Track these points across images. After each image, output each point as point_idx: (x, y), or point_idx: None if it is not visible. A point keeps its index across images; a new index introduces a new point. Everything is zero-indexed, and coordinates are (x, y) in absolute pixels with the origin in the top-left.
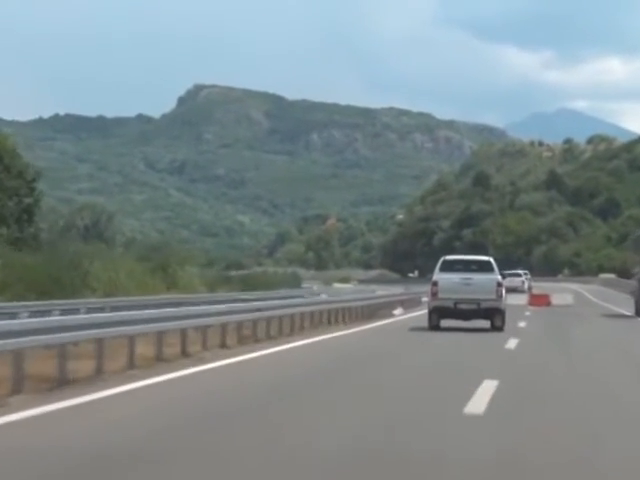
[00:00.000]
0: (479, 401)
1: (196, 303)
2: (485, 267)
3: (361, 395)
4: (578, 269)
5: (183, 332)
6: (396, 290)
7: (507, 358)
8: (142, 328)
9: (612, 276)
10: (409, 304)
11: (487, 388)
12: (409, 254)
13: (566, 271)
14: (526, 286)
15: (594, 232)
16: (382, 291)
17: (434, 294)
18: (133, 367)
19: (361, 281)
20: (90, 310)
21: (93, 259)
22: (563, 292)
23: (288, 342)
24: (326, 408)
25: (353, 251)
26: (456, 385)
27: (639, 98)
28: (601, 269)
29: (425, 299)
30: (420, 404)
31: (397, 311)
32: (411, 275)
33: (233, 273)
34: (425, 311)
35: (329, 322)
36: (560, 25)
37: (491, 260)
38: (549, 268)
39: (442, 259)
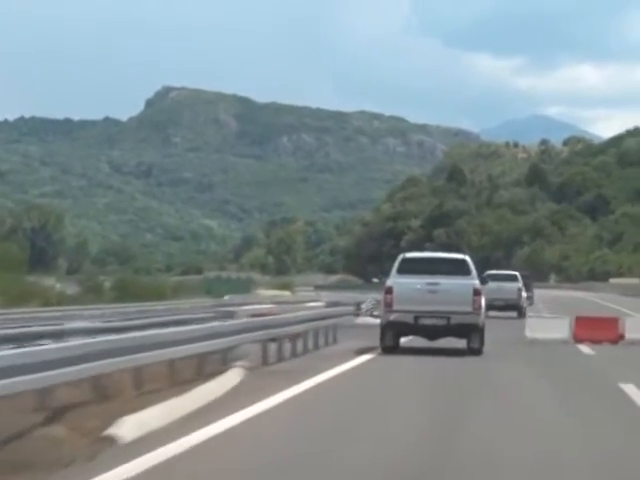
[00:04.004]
0: None
1: None
2: (458, 268)
3: None
4: (566, 274)
5: None
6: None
7: None
8: None
9: (636, 281)
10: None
11: None
12: (375, 257)
13: (553, 277)
14: (524, 299)
15: (582, 232)
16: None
17: (388, 304)
18: None
19: (318, 287)
20: None
21: None
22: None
23: None
24: None
25: (320, 255)
26: None
27: (611, 105)
28: (592, 274)
29: (361, 320)
30: None
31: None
32: (375, 280)
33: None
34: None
35: None
36: (532, 32)
37: (466, 259)
38: (535, 273)
39: (401, 257)
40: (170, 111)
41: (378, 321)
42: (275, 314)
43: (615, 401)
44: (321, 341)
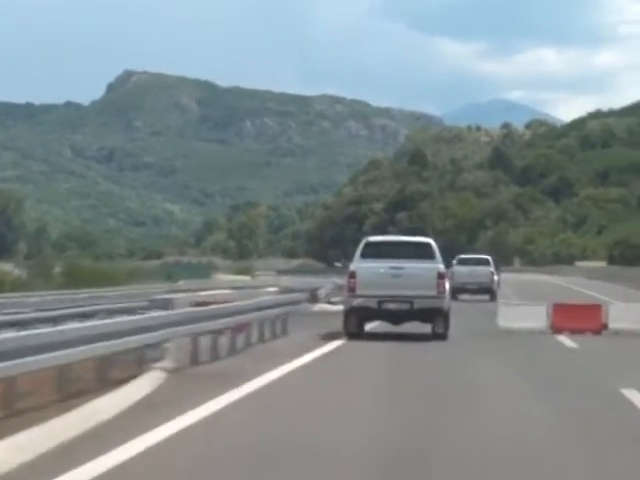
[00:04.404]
0: None
1: None
2: (423, 252)
3: None
4: (530, 257)
5: None
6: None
7: None
8: None
9: (602, 264)
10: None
11: None
12: (337, 241)
13: (517, 260)
14: (496, 283)
15: (546, 215)
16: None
17: (351, 289)
18: None
19: (280, 272)
20: None
21: None
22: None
23: None
24: None
25: (283, 240)
26: None
27: (573, 88)
28: (557, 257)
29: (318, 307)
30: None
31: None
32: (337, 264)
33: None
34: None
35: None
36: (494, 17)
37: (431, 242)
38: (499, 256)
39: (364, 240)
40: (132, 95)
41: (336, 308)
42: (221, 302)
43: (625, 416)
44: (268, 333)
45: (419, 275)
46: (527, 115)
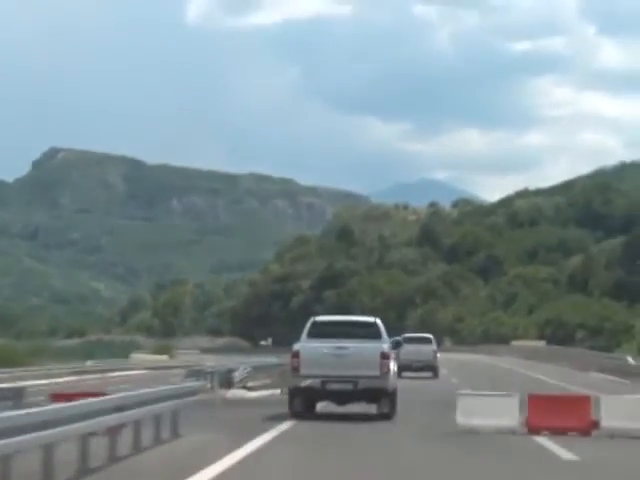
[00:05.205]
0: None
1: None
2: (368, 331)
3: None
4: (460, 336)
5: None
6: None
7: None
8: None
9: (541, 344)
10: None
11: None
12: (263, 319)
13: (448, 339)
14: (438, 360)
15: (475, 293)
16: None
17: (295, 369)
18: None
19: (204, 350)
20: None
21: None
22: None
23: None
24: None
25: (209, 317)
26: None
27: (496, 170)
28: (486, 336)
29: (232, 394)
30: None
31: None
32: (263, 343)
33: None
34: None
35: None
36: (419, 97)
37: (377, 322)
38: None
39: (311, 320)
40: (58, 172)
41: (254, 395)
42: (91, 393)
43: None
44: (147, 437)
45: (362, 355)
46: (453, 195)
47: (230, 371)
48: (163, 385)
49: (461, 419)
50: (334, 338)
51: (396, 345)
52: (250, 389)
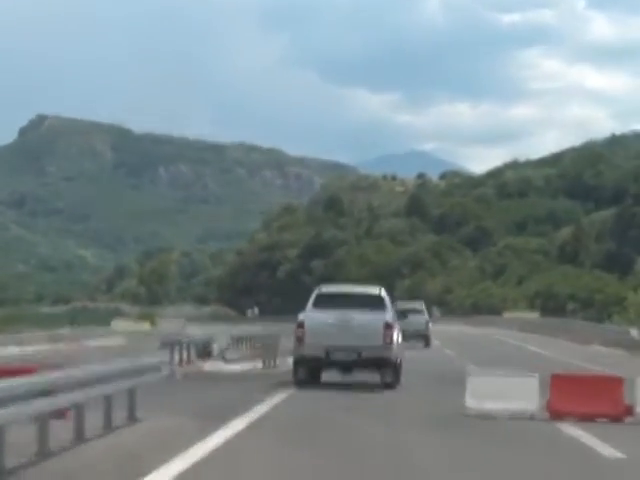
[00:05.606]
0: None
1: None
2: (373, 302)
3: None
4: (449, 307)
5: None
6: None
7: None
8: None
9: (535, 315)
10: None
11: None
12: (250, 288)
13: (436, 310)
14: (430, 329)
15: (464, 264)
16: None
17: (299, 339)
18: None
19: (190, 319)
20: None
21: None
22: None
23: None
24: None
25: (196, 286)
26: None
27: (485, 142)
28: (476, 307)
29: (209, 366)
30: None
31: None
32: (250, 312)
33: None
34: None
35: None
36: (409, 69)
37: (382, 292)
38: None
39: (317, 290)
40: (44, 140)
41: (234, 368)
42: (32, 370)
43: None
44: (93, 424)
45: (366, 325)
46: (442, 166)
47: (209, 341)
48: (118, 360)
49: (471, 402)
50: (339, 308)
51: (401, 316)
52: (229, 361)
